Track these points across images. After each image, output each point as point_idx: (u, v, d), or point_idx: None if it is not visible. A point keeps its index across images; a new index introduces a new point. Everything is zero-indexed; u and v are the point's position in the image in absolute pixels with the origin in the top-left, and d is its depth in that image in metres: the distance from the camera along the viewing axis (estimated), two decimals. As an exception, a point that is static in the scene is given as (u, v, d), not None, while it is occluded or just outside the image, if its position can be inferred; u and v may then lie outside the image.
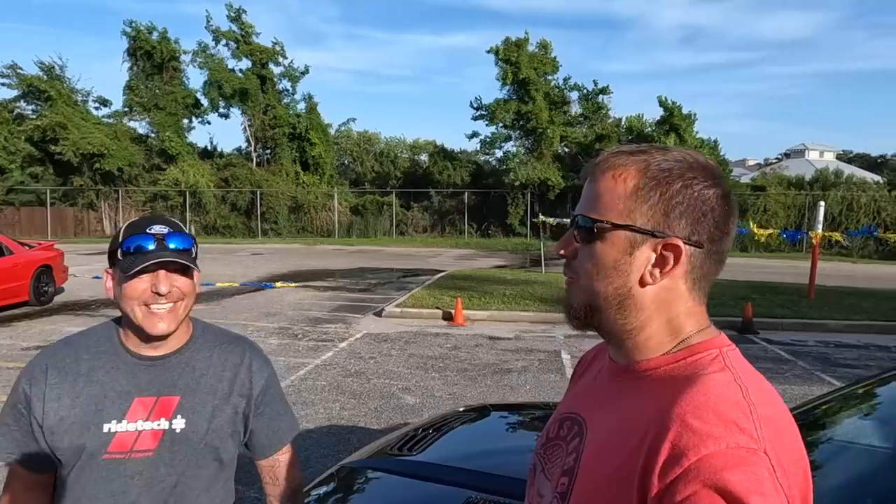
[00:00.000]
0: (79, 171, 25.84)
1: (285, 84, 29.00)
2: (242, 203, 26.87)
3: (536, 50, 25.95)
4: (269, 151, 28.81)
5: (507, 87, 26.03)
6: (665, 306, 0.77)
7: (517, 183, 25.08)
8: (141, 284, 1.18)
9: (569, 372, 6.26)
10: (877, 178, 29.09)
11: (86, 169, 25.78)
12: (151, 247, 1.19)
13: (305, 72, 29.02)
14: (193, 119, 28.72)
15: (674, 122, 23.75)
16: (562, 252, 0.82)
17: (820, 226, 10.53)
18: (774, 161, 52.75)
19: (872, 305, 9.93)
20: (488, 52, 25.88)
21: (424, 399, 5.34)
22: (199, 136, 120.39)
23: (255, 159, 28.64)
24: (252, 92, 27.33)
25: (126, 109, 27.63)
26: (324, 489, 2.09)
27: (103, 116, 27.98)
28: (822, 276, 11.20)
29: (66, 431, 1.19)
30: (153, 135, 27.37)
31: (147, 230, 1.20)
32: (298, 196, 27.17)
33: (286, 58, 28.47)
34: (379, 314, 9.32)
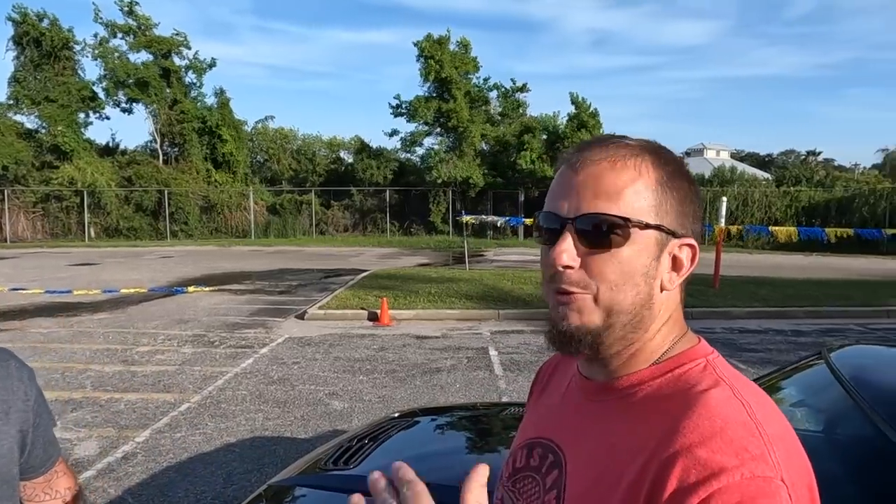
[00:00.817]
0: (-44, 169, 23.32)
1: (191, 77, 27.54)
2: (149, 203, 25.21)
3: (457, 49, 26.11)
4: (176, 148, 27.20)
5: (429, 85, 26.02)
6: (666, 313, 0.71)
7: (439, 181, 25.14)
8: None
9: (497, 369, 6.30)
10: (765, 175, 31.57)
11: (-36, 167, 23.30)
12: None
13: (212, 64, 27.64)
14: (91, 114, 26.61)
15: (582, 118, 24.64)
16: (567, 262, 0.67)
17: (723, 220, 11.25)
18: (677, 159, 55.98)
19: (769, 292, 10.74)
20: (414, 44, 25.65)
21: (353, 403, 5.18)
22: (99, 132, 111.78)
23: (161, 156, 26.96)
24: (154, 84, 25.67)
25: (11, 102, 25.16)
26: (254, 512, 1.93)
27: (-16, 109, 25.36)
28: (722, 266, 11.96)
29: None
30: (44, 130, 25.10)
31: None
32: (210, 195, 25.85)
33: (189, 48, 26.98)
34: (301, 317, 9.01)
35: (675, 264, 0.69)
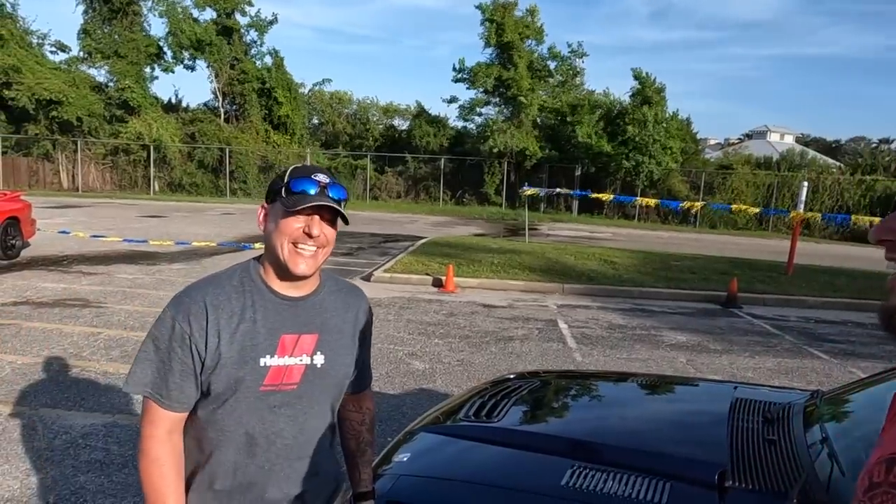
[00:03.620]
0: (34, 118, 24.35)
1: (252, 35, 27.77)
2: (210, 160, 25.89)
3: (523, 15, 25.50)
4: (236, 107, 27.71)
5: (490, 50, 25.58)
6: None
7: (495, 150, 24.88)
8: (296, 223, 1.28)
9: (570, 342, 6.30)
10: (834, 161, 30.00)
11: (42, 117, 24.30)
12: (314, 191, 1.28)
13: (274, 21, 27.70)
14: (157, 69, 27.31)
15: (647, 94, 23.83)
16: (887, 238, 0.66)
17: (802, 206, 10.80)
18: (736, 141, 53.87)
19: (845, 283, 10.32)
20: (477, 7, 25.28)
21: (433, 365, 5.28)
22: (164, 88, 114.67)
23: (223, 115, 27.53)
24: (217, 42, 26.03)
25: (84, 55, 26.02)
26: (406, 455, 2.01)
27: (60, 62, 26.32)
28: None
29: (225, 366, 1.25)
30: (112, 84, 25.92)
31: (312, 176, 1.30)
32: (269, 155, 26.35)
33: (252, 5, 27.16)
34: (367, 279, 9.17)
35: None
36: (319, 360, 1.36)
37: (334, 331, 1.40)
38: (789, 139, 52.42)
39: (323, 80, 29.66)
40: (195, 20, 26.28)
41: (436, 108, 48.18)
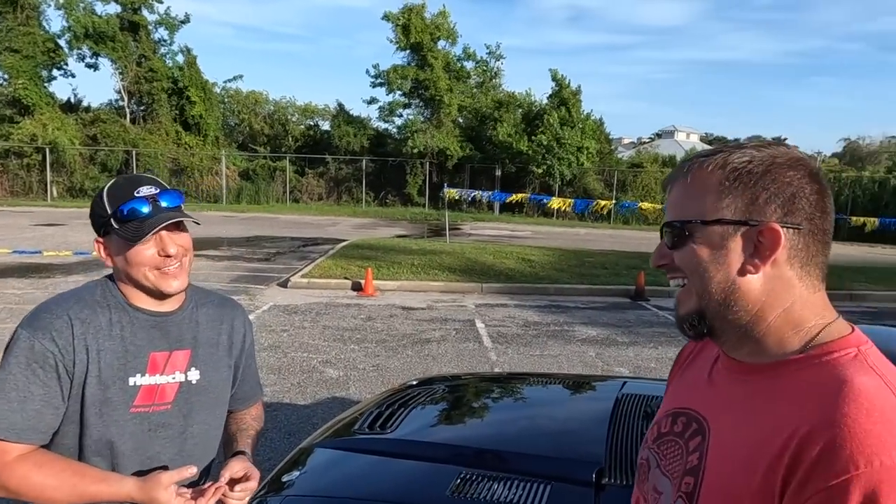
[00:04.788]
0: None
1: (162, 33, 26.41)
2: (115, 163, 24.32)
3: (434, 17, 25.63)
4: (144, 108, 26.21)
5: (404, 53, 25.58)
6: (776, 296, 0.75)
7: (415, 151, 24.91)
8: (147, 251, 1.19)
9: (486, 341, 6.41)
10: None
11: (-83, 118, 22.05)
12: (147, 210, 1.18)
13: (186, 20, 26.54)
14: (54, 70, 25.34)
15: (563, 95, 24.63)
16: (661, 263, 0.83)
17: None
18: (647, 140, 56.78)
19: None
20: (385, 17, 25.20)
21: (348, 372, 5.21)
22: (62, 88, 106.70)
23: (128, 116, 25.96)
24: (120, 38, 24.53)
25: (-31, 51, 23.77)
26: (296, 473, 1.96)
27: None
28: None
29: (92, 385, 1.18)
30: (4, 82, 23.84)
31: (136, 193, 1.19)
32: (181, 158, 25.11)
33: (161, 2, 25.82)
34: (284, 285, 8.95)
35: (758, 250, 0.75)
36: (194, 376, 1.29)
37: (208, 345, 1.34)
38: (695, 138, 55.83)
39: (234, 77, 28.63)
40: (95, 13, 24.63)
41: (358, 108, 47.54)
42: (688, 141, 50.58)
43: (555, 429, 2.10)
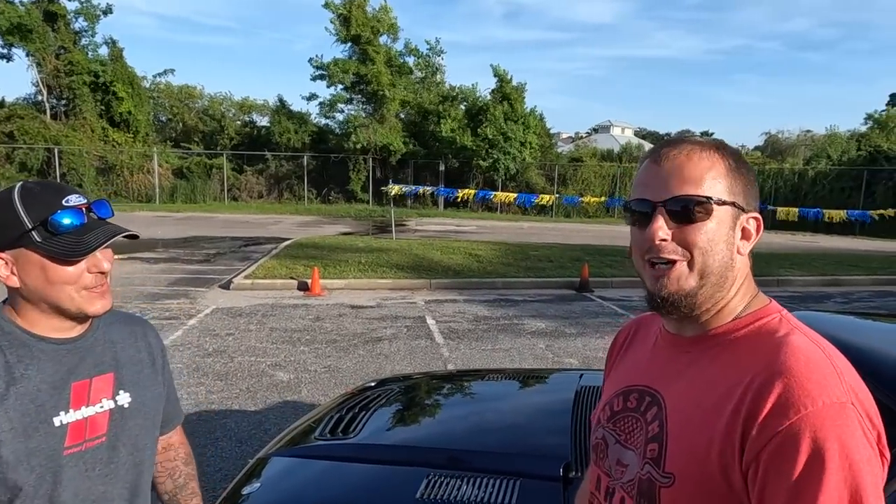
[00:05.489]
0: None
1: (82, 23, 24.84)
2: (35, 162, 22.79)
3: (375, 12, 25.34)
4: (65, 103, 24.65)
5: (345, 46, 25.16)
6: (742, 276, 0.86)
7: (358, 146, 24.59)
8: (78, 267, 1.05)
9: (437, 337, 6.40)
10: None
11: None
12: (82, 221, 1.05)
13: (108, 11, 25.08)
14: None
15: (506, 91, 24.90)
16: (662, 238, 0.83)
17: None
18: (585, 135, 58.23)
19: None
20: (324, 6, 24.69)
21: (299, 374, 5.09)
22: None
23: (48, 111, 24.37)
24: (37, 29, 22.96)
25: None
26: (255, 485, 1.89)
27: None
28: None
29: (6, 442, 1.01)
30: None
31: (64, 202, 1.04)
32: (108, 156, 23.81)
33: (81, -11, 24.26)
34: (226, 287, 8.64)
35: (745, 234, 0.85)
36: (125, 399, 1.18)
37: (130, 363, 1.23)
38: (629, 133, 57.65)
39: (165, 71, 27.34)
40: (9, 2, 22.94)
41: (298, 104, 46.41)
42: (623, 135, 52.18)
43: (519, 425, 2.11)
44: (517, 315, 7.62)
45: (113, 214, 1.14)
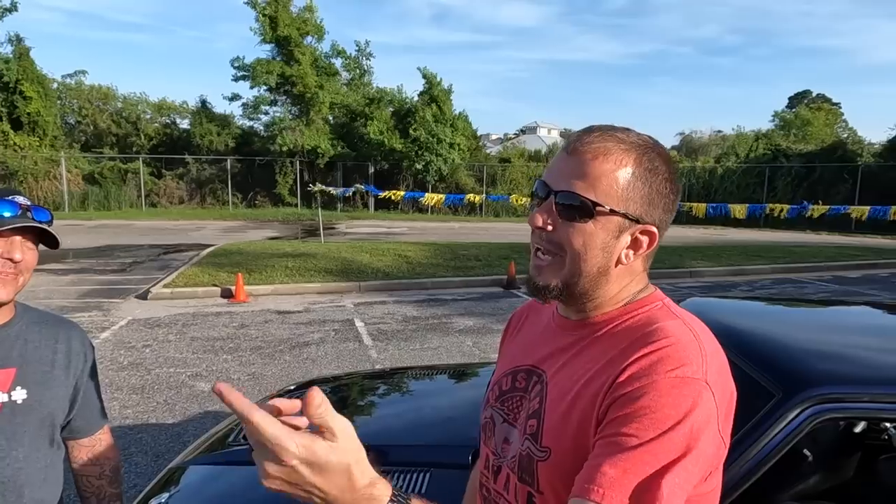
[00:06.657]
0: None
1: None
2: (-78, 168, 20.95)
3: (300, 12, 24.88)
4: (-40, 104, 22.71)
5: (269, 47, 24.55)
6: (624, 278, 0.86)
7: (284, 149, 24.05)
8: None
9: (366, 339, 6.39)
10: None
11: None
12: (14, 213, 1.17)
13: (12, 8, 23.34)
14: None
15: (433, 93, 25.07)
16: (543, 224, 0.83)
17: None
18: (513, 136, 59.49)
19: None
20: (246, 3, 24.01)
21: (221, 383, 4.94)
22: None
23: (-61, 113, 22.37)
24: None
25: None
26: (165, 496, 1.85)
27: None
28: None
29: None
30: None
31: (11, 198, 1.19)
32: (9, 161, 22.15)
33: (-22, -14, 22.50)
34: (143, 297, 8.26)
35: (635, 244, 0.84)
36: (20, 395, 1.23)
37: (39, 363, 1.28)
38: (555, 133, 59.39)
39: (76, 72, 25.78)
40: None
41: (221, 105, 44.81)
42: (549, 136, 53.73)
43: (437, 418, 2.17)
44: (446, 314, 7.71)
45: (51, 221, 1.25)
